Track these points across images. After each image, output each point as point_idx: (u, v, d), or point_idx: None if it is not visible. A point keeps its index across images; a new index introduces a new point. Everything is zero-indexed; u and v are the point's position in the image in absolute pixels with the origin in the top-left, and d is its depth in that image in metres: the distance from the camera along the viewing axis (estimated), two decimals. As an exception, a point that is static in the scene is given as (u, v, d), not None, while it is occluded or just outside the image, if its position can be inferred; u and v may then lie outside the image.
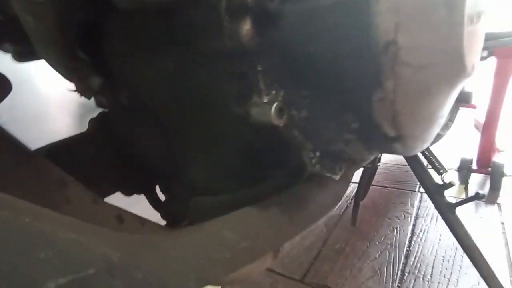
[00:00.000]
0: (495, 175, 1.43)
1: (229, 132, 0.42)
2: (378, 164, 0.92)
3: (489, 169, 1.48)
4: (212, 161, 0.55)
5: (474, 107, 2.15)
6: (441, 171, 0.73)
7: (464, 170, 1.51)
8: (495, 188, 1.45)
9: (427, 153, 0.75)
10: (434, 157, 0.79)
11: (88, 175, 0.48)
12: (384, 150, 0.32)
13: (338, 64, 0.25)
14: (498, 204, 1.40)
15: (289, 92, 0.29)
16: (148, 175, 0.67)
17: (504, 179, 1.45)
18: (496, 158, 1.49)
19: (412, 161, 0.82)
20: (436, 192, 0.81)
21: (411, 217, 1.40)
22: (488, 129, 1.51)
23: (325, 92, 0.28)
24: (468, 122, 2.14)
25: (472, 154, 1.55)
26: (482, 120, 1.71)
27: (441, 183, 0.81)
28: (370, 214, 1.43)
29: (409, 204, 1.50)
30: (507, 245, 1.17)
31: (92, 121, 0.57)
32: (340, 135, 0.30)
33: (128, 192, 0.67)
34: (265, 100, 0.29)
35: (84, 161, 0.52)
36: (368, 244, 1.26)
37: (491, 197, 1.42)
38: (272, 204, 0.42)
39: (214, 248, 0.32)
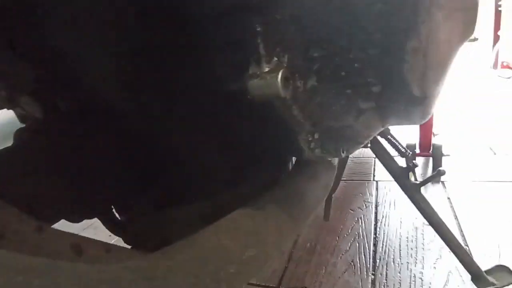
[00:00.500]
0: (436, 156, 1.56)
1: (212, 120, 0.35)
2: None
3: (430, 151, 1.61)
4: (189, 160, 0.47)
5: None
6: (407, 153, 0.75)
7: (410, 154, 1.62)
8: (437, 167, 1.57)
9: (391, 138, 0.76)
10: (398, 141, 0.81)
11: (22, 199, 0.37)
12: (400, 119, 0.29)
13: (366, 6, 0.21)
14: (442, 182, 1.52)
15: (294, 56, 0.24)
16: (102, 193, 0.56)
17: (444, 158, 1.59)
18: (435, 140, 1.63)
19: (378, 147, 0.83)
20: (402, 175, 0.83)
21: (372, 205, 1.44)
22: (425, 115, 1.65)
23: (344, 46, 0.23)
24: None
25: (411, 139, 1.67)
26: None
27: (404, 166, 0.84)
28: (334, 208, 1.44)
29: (368, 193, 1.55)
30: (456, 217, 1.27)
31: (19, 133, 0.45)
32: (353, 105, 0.26)
33: (76, 218, 0.55)
34: (267, 69, 0.23)
35: (15, 182, 0.40)
36: (337, 238, 1.26)
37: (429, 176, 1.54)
38: (268, 202, 0.36)
39: (215, 263, 0.25)
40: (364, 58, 0.23)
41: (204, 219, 0.39)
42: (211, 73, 0.28)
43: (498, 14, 3.46)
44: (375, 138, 0.87)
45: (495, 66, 3.61)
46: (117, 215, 0.57)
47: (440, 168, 0.77)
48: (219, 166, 0.42)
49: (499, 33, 3.44)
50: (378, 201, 1.46)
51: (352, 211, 1.41)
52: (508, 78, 3.15)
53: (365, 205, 1.44)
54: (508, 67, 3.26)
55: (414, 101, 0.25)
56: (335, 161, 0.50)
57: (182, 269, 0.22)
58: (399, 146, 0.81)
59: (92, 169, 0.52)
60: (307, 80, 0.25)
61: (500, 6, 3.36)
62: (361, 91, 0.25)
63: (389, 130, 0.80)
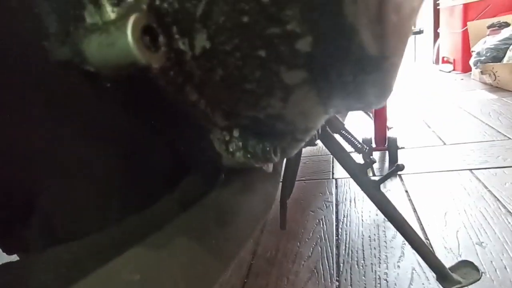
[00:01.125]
0: (391, 149, 1.56)
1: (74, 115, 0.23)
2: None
3: (386, 145, 1.61)
4: (71, 181, 0.34)
5: None
6: (364, 149, 0.68)
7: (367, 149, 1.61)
8: (393, 161, 1.58)
9: (346, 134, 0.69)
10: (354, 137, 0.74)
11: None
12: (348, 99, 0.19)
13: None
14: (399, 175, 1.52)
15: None
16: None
17: (399, 151, 1.59)
18: (390, 134, 1.64)
19: (332, 144, 0.76)
20: (360, 172, 0.76)
21: (332, 205, 1.40)
22: (380, 111, 1.65)
23: None
24: None
25: (365, 134, 1.66)
26: None
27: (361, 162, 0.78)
28: (294, 211, 1.37)
29: (328, 192, 1.50)
30: (415, 210, 1.26)
31: None
32: (274, 78, 0.16)
33: None
34: (113, 16, 0.12)
35: None
36: (298, 243, 1.18)
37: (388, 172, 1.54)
38: (176, 232, 0.25)
39: None
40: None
41: (100, 258, 0.27)
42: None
43: (437, 11, 3.69)
44: (327, 133, 0.80)
45: (436, 61, 3.85)
46: None
47: (398, 163, 0.71)
48: (112, 188, 0.30)
49: (438, 30, 3.67)
50: (338, 200, 1.41)
51: (312, 213, 1.35)
52: (449, 72, 3.35)
53: (326, 205, 1.39)
54: (448, 62, 3.48)
55: (367, 64, 0.15)
56: (280, 165, 0.40)
57: None
58: (355, 141, 0.75)
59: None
60: (194, 37, 0.15)
61: (438, 4, 3.58)
62: (281, 51, 0.15)
63: (343, 124, 0.73)
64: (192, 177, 0.37)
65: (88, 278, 0.20)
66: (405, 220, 0.77)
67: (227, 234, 0.27)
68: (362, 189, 0.78)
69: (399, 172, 1.55)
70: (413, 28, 0.21)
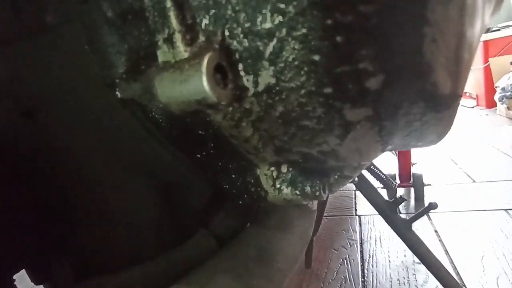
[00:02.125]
0: (417, 186, 1.50)
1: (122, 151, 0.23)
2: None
3: (411, 181, 1.56)
4: (108, 215, 0.34)
5: None
6: (393, 185, 0.66)
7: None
8: (419, 198, 1.51)
9: (375, 170, 0.67)
10: (382, 173, 0.72)
11: None
12: (409, 137, 0.19)
13: None
14: (427, 214, 1.44)
15: (234, 30, 0.13)
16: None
17: (425, 188, 1.53)
18: (415, 170, 1.59)
19: (359, 180, 0.74)
20: (389, 210, 0.73)
21: (356, 243, 1.33)
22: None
23: (323, 3, 0.12)
24: None
25: (390, 170, 1.62)
26: None
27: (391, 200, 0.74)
28: (316, 248, 1.31)
29: (351, 230, 1.44)
30: (447, 252, 1.17)
31: None
32: (336, 116, 0.15)
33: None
34: (186, 55, 0.13)
35: None
36: (322, 284, 1.12)
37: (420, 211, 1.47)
38: (219, 271, 0.24)
39: None
40: (352, 24, 0.13)
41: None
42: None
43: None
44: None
45: (458, 96, 3.80)
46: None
47: (431, 202, 0.68)
48: (150, 222, 0.30)
49: (458, 66, 3.65)
50: (362, 238, 1.34)
51: (335, 251, 1.29)
52: (472, 107, 3.29)
53: (349, 243, 1.33)
54: (470, 97, 3.43)
55: (438, 103, 0.15)
56: (314, 203, 0.39)
57: None
58: (383, 177, 0.72)
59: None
60: (259, 74, 0.15)
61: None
62: (349, 89, 0.15)
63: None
64: (225, 212, 0.36)
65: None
66: (440, 263, 0.71)
67: (268, 274, 0.26)
68: (392, 228, 0.74)
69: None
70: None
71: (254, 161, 0.21)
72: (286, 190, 0.22)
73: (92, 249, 0.35)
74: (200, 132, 0.20)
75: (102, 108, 0.22)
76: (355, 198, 1.77)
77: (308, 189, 0.21)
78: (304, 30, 0.13)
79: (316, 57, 0.14)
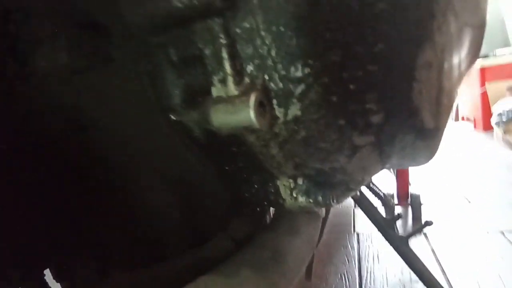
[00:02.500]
0: (415, 205, 1.53)
1: (163, 164, 0.28)
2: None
3: (408, 201, 1.59)
4: (138, 212, 0.39)
5: None
6: (391, 203, 0.70)
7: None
8: (417, 217, 1.54)
9: (375, 188, 0.72)
10: (381, 191, 0.76)
11: None
12: (403, 158, 0.24)
13: (364, 7, 0.16)
14: (424, 233, 1.47)
15: (272, 76, 0.18)
16: (29, 255, 0.45)
17: (422, 208, 1.56)
18: (412, 190, 1.62)
19: (359, 197, 0.78)
20: (387, 226, 0.77)
21: (354, 260, 1.35)
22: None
23: (336, 62, 0.17)
24: None
25: (388, 190, 1.65)
26: None
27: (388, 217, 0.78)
28: (315, 263, 1.33)
29: (350, 247, 1.46)
30: (443, 271, 1.20)
31: None
32: (346, 141, 0.20)
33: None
34: (236, 93, 0.18)
35: None
36: (320, 300, 1.14)
37: (416, 227, 1.50)
38: (241, 266, 0.28)
39: None
40: (361, 77, 0.18)
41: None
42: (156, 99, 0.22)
43: (453, 73, 3.83)
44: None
45: (456, 119, 3.88)
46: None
47: (427, 220, 0.72)
48: (174, 219, 0.34)
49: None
50: (360, 255, 1.37)
51: (334, 266, 1.31)
52: (470, 131, 3.36)
53: (348, 259, 1.35)
54: (468, 120, 3.50)
55: (424, 135, 0.20)
56: (322, 210, 0.44)
57: None
58: (382, 195, 0.77)
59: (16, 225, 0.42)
60: (288, 108, 0.20)
61: (454, 66, 3.73)
62: (357, 122, 0.20)
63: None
64: (240, 218, 0.41)
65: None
66: (436, 279, 0.74)
67: (282, 271, 0.30)
68: (390, 244, 0.78)
69: (424, 231, 1.50)
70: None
71: (275, 174, 0.26)
72: (301, 199, 0.26)
73: (117, 248, 0.39)
74: (233, 149, 0.24)
75: (150, 128, 0.27)
76: (353, 216, 1.79)
77: (320, 198, 0.25)
78: (326, 79, 0.18)
79: (334, 99, 0.19)
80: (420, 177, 2.13)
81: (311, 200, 0.26)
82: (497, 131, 2.72)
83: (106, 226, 0.42)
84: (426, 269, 0.73)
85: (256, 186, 0.28)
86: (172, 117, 0.23)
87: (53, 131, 0.33)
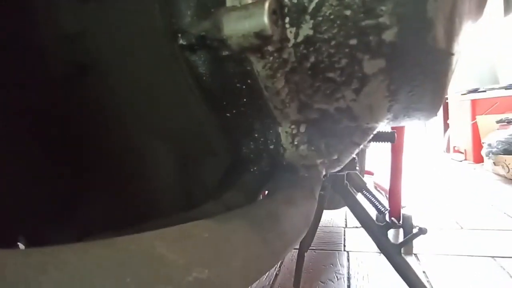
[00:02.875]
0: (406, 227, 1.51)
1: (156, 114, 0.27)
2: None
3: (400, 221, 1.57)
4: (126, 177, 0.37)
5: (372, 173, 2.59)
6: (383, 210, 0.69)
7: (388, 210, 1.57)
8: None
9: (368, 194, 0.71)
10: (375, 197, 0.75)
11: None
12: (412, 96, 0.22)
13: None
14: (415, 254, 1.45)
15: None
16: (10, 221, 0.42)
17: (414, 229, 1.54)
18: (404, 211, 1.61)
19: (353, 203, 0.76)
20: (380, 234, 0.75)
21: (343, 277, 1.31)
22: (394, 190, 1.66)
23: None
24: (369, 185, 2.45)
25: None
26: (380, 182, 2.01)
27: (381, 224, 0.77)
28: (303, 280, 1.29)
29: (339, 265, 1.43)
30: (434, 293, 1.16)
31: None
32: (356, 68, 0.20)
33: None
34: (250, 1, 0.17)
35: None
36: (307, 315, 1.09)
37: (408, 249, 1.48)
38: (233, 217, 0.26)
39: (135, 279, 0.15)
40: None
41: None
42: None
43: (446, 104, 3.95)
44: (349, 192, 0.81)
45: (447, 150, 3.95)
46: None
47: (421, 227, 0.70)
48: (165, 187, 0.32)
49: (448, 121, 3.85)
50: (350, 273, 1.33)
51: (322, 283, 1.26)
52: (461, 161, 3.40)
53: (337, 277, 1.31)
54: (459, 151, 3.56)
55: (436, 57, 0.19)
56: (317, 191, 0.42)
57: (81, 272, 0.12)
58: (375, 201, 0.75)
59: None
60: (300, 26, 0.19)
61: (447, 98, 3.85)
62: (370, 40, 0.19)
63: (365, 183, 0.75)
64: (236, 189, 0.39)
65: (167, 229, 0.21)
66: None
67: (276, 231, 0.29)
68: (381, 251, 0.75)
69: (415, 252, 1.48)
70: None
71: (278, 118, 0.25)
72: (303, 147, 0.25)
73: (106, 206, 0.37)
74: (237, 85, 0.23)
75: (153, 63, 0.26)
76: (344, 235, 1.77)
77: (322, 146, 0.24)
78: (341, -10, 0.18)
79: (348, 12, 0.18)
80: (413, 202, 2.14)
81: (313, 148, 0.25)
82: (487, 162, 2.76)
83: (90, 189, 0.39)
84: (417, 277, 0.71)
85: (256, 135, 0.27)
86: (181, 40, 0.22)
87: (49, 77, 0.32)
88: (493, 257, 1.34)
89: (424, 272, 1.28)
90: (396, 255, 0.72)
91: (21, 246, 0.45)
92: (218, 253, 0.21)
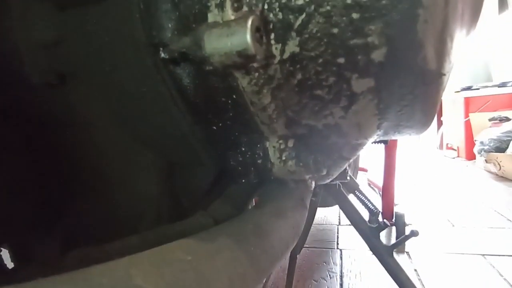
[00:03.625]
0: (399, 224, 1.52)
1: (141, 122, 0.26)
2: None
3: (393, 220, 1.58)
4: (109, 189, 0.36)
5: (366, 170, 2.60)
6: (375, 211, 0.69)
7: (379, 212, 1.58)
8: (400, 236, 1.52)
9: (360, 195, 0.71)
10: (366, 197, 0.75)
11: None
12: (401, 114, 0.22)
13: None
14: (407, 252, 1.47)
15: (272, 4, 0.17)
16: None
17: (406, 228, 1.55)
18: (397, 209, 1.62)
19: (345, 204, 0.76)
20: (372, 235, 0.75)
21: (336, 276, 1.32)
22: (387, 187, 1.67)
23: None
24: (363, 181, 2.49)
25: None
26: (374, 180, 2.02)
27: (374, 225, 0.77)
28: (296, 278, 1.29)
29: (332, 263, 1.43)
30: (425, 291, 1.18)
31: None
32: (344, 86, 0.19)
33: None
34: (232, 17, 0.16)
35: None
36: (299, 314, 1.09)
37: (400, 247, 1.49)
38: (219, 234, 0.25)
39: None
40: (367, 3, 0.16)
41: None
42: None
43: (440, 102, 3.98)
44: (342, 194, 0.81)
45: (440, 147, 3.98)
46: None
47: (413, 229, 0.71)
48: (150, 198, 0.32)
49: (442, 118, 3.88)
50: (343, 271, 1.34)
51: (315, 282, 1.27)
52: (453, 158, 3.44)
53: (329, 275, 1.32)
54: (452, 148, 3.59)
55: (426, 77, 0.19)
56: (307, 200, 0.41)
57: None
58: (367, 202, 0.75)
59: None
60: (286, 43, 0.18)
61: (440, 96, 3.88)
62: (358, 59, 0.18)
63: (357, 184, 0.75)
64: (224, 199, 0.38)
65: (145, 252, 0.21)
66: (419, 293, 0.72)
67: (263, 247, 0.28)
68: (373, 253, 0.76)
69: (407, 249, 1.50)
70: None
71: (265, 133, 0.24)
72: (291, 162, 0.24)
73: (88, 219, 0.36)
74: (222, 99, 0.23)
75: (136, 73, 0.25)
76: (337, 233, 1.78)
77: (310, 162, 0.24)
78: (328, 7, 0.17)
79: (335, 30, 0.17)
80: (405, 200, 2.15)
81: (301, 164, 0.24)
82: (479, 159, 2.79)
83: (74, 198, 0.38)
84: (408, 279, 0.71)
85: (243, 149, 0.26)
86: (162, 54, 0.21)
87: (28, 85, 0.31)
88: (483, 255, 1.35)
89: (415, 270, 1.30)
90: (387, 257, 0.72)
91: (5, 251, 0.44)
92: (201, 277, 0.20)
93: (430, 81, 0.19)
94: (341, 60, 0.18)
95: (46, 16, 0.24)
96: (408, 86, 0.19)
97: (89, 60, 0.26)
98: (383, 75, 0.19)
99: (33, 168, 0.38)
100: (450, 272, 1.24)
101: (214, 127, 0.26)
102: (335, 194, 0.78)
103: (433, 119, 0.23)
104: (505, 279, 1.17)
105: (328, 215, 1.98)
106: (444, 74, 0.19)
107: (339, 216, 1.96)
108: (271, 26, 0.18)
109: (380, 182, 1.72)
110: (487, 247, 1.42)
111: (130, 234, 0.34)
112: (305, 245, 1.59)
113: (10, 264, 0.46)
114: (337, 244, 1.59)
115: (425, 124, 0.23)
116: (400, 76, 0.19)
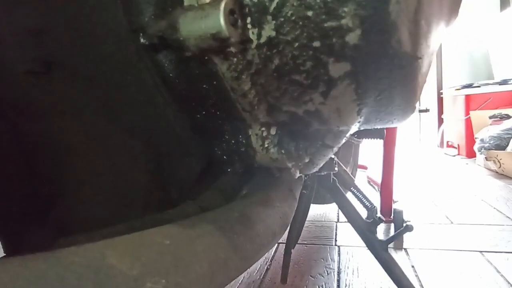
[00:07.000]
0: (397, 221, 1.52)
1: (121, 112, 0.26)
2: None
3: (391, 216, 1.59)
4: (98, 179, 0.36)
5: (366, 168, 2.61)
6: (371, 207, 0.69)
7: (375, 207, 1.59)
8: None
9: (356, 191, 0.71)
10: (362, 194, 0.75)
11: None
12: (380, 99, 0.22)
13: None
14: (405, 249, 1.47)
15: None
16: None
17: (404, 224, 1.55)
18: (396, 206, 1.62)
19: (341, 200, 0.76)
20: (367, 230, 0.75)
21: (334, 272, 1.32)
22: (386, 184, 1.67)
23: None
24: (362, 179, 2.49)
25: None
26: (373, 177, 2.02)
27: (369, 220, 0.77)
28: (293, 274, 1.30)
29: (330, 259, 1.44)
30: (422, 287, 1.18)
31: None
32: (322, 70, 0.19)
33: None
34: (207, 1, 0.16)
35: None
36: (296, 309, 1.09)
37: (398, 243, 1.49)
38: (202, 220, 0.26)
39: None
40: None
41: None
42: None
43: (440, 99, 3.96)
44: (338, 189, 0.81)
45: (441, 145, 3.97)
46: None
47: (408, 224, 0.71)
48: (138, 188, 0.32)
49: (442, 116, 3.87)
50: (340, 267, 1.34)
51: (312, 278, 1.27)
52: (454, 156, 3.43)
53: (327, 271, 1.32)
54: (452, 146, 3.58)
55: (401, 61, 0.19)
56: (297, 192, 0.42)
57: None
58: (363, 198, 0.75)
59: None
60: (262, 27, 0.18)
61: (441, 93, 3.87)
62: (333, 42, 0.18)
63: (353, 181, 0.75)
64: (212, 190, 0.38)
65: (124, 236, 0.21)
66: (413, 286, 0.72)
67: (248, 235, 0.28)
68: (368, 248, 0.76)
69: (405, 246, 1.50)
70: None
71: (247, 120, 0.24)
72: (273, 150, 0.25)
73: (79, 209, 0.37)
74: (204, 86, 0.23)
75: (119, 61, 0.25)
76: (336, 229, 1.78)
77: (292, 149, 0.24)
78: (301, -10, 0.17)
79: (310, 13, 0.17)
80: (405, 197, 2.15)
81: (283, 151, 0.24)
82: (479, 157, 2.78)
83: (63, 188, 0.38)
84: (403, 274, 0.71)
85: (227, 137, 0.26)
86: (142, 39, 0.21)
87: (13, 74, 0.31)
88: (481, 251, 1.35)
89: (412, 266, 1.30)
90: (382, 251, 0.72)
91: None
92: (178, 260, 0.20)
93: (405, 64, 0.19)
94: (317, 43, 0.18)
95: (30, 3, 0.24)
96: (384, 70, 0.19)
97: (74, 48, 0.26)
98: (359, 58, 0.19)
99: (20, 157, 0.38)
100: (447, 269, 1.24)
101: (198, 115, 0.26)
102: (331, 189, 0.78)
103: (414, 105, 0.23)
104: (502, 275, 1.17)
105: (327, 212, 1.98)
106: (420, 58, 0.19)
107: (338, 213, 1.96)
108: (246, 10, 0.18)
109: (379, 179, 1.72)
110: (484, 244, 1.42)
111: (120, 220, 0.34)
112: (303, 242, 1.59)
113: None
114: (335, 240, 1.59)
115: (406, 110, 0.23)
116: (375, 59, 0.19)
